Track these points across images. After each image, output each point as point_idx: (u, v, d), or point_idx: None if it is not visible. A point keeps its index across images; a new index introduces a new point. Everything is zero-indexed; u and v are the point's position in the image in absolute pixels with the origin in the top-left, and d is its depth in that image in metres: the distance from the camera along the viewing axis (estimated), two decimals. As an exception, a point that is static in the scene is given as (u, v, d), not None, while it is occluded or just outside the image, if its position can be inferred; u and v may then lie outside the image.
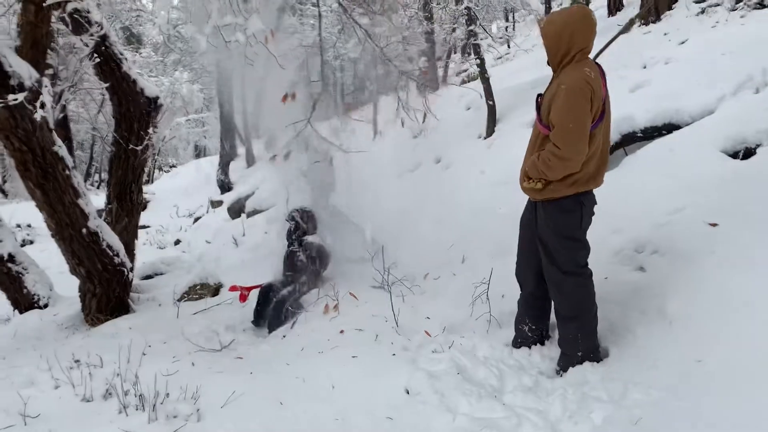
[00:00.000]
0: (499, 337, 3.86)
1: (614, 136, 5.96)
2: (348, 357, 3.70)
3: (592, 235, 4.64)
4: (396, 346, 3.79)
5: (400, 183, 9.78)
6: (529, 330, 3.62)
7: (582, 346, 3.27)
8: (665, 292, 3.56)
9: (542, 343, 3.67)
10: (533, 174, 3.17)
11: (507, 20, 28.45)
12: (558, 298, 3.36)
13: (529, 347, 3.65)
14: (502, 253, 4.57)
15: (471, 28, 8.85)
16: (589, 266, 3.36)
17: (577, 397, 3.02)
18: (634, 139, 5.93)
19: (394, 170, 10.37)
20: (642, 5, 11.46)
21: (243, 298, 5.70)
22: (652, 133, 5.80)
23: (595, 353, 3.31)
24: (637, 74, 7.59)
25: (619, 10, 14.61)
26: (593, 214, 3.35)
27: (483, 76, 8.65)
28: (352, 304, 4.86)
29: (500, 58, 20.20)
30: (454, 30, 16.17)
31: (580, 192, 3.15)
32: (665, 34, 8.95)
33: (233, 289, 5.85)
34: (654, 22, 10.89)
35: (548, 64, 3.22)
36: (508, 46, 22.02)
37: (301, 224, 5.63)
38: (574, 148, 2.96)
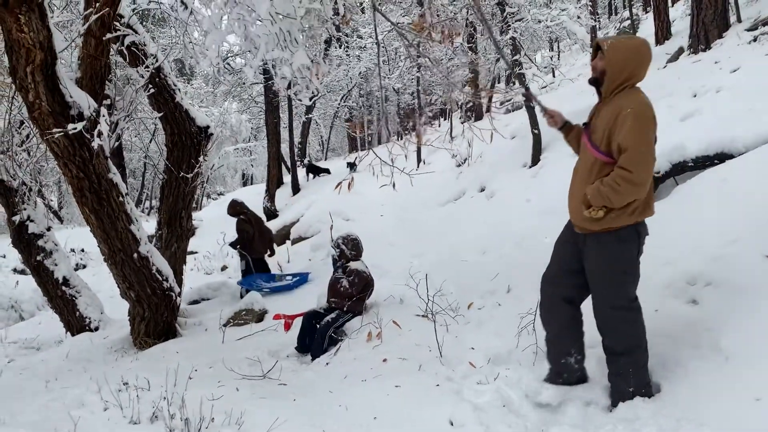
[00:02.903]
0: (546, 368, 3.77)
1: (664, 166, 5.84)
2: (391, 386, 3.67)
3: (641, 266, 4.54)
4: (440, 377, 3.74)
5: (443, 212, 9.78)
6: (576, 362, 3.43)
7: (633, 381, 3.15)
8: (720, 326, 3.44)
9: (586, 380, 3.47)
10: (596, 202, 3.03)
11: (551, 49, 28.41)
12: (609, 334, 3.23)
13: (573, 384, 3.41)
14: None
15: (516, 57, 8.86)
16: (638, 299, 3.26)
17: (629, 431, 2.93)
18: (685, 168, 5.80)
19: (438, 199, 10.38)
20: (691, 34, 11.30)
21: (287, 326, 5.74)
22: (704, 162, 5.66)
23: (646, 388, 3.18)
24: (687, 103, 7.45)
25: (667, 39, 14.42)
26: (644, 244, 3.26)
27: (528, 105, 8.63)
28: (396, 332, 4.84)
29: (545, 87, 20.13)
30: (498, 60, 16.18)
31: (638, 221, 3.08)
32: (716, 62, 8.79)
33: (277, 317, 5.90)
34: (704, 50, 10.72)
35: (596, 86, 3.17)
36: (553, 75, 21.94)
37: (345, 251, 5.66)
38: (646, 171, 2.92)
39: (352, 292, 5.45)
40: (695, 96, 7.70)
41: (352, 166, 19.99)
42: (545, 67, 21.95)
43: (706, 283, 3.95)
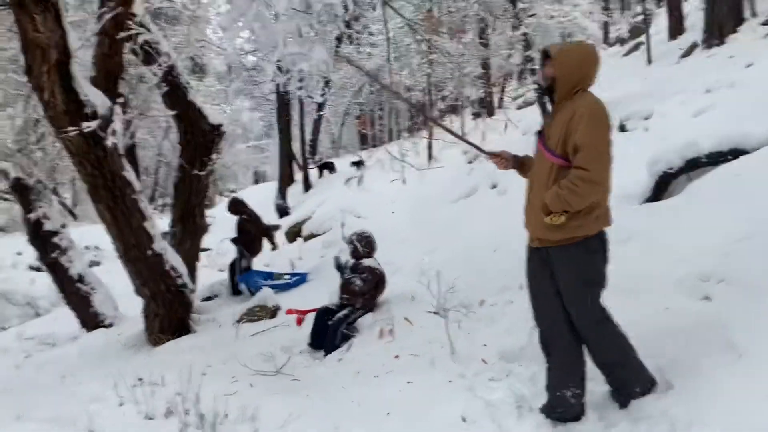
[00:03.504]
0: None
1: (677, 162, 5.81)
2: (403, 382, 3.69)
3: (653, 263, 4.53)
4: (452, 373, 3.75)
5: (455, 208, 9.77)
6: (573, 396, 3.08)
7: (638, 383, 3.10)
8: (733, 323, 3.41)
9: (582, 415, 3.13)
10: (556, 206, 2.86)
11: (564, 45, 28.20)
12: (598, 349, 3.09)
13: (567, 421, 3.10)
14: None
15: (528, 53, 8.84)
16: (646, 296, 3.27)
17: (642, 430, 2.92)
18: (698, 164, 5.75)
19: (449, 196, 10.37)
20: (705, 29, 11.20)
21: (299, 321, 5.77)
22: (717, 158, 5.61)
23: (652, 384, 3.13)
24: (701, 98, 7.41)
25: (681, 34, 14.31)
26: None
27: (540, 100, 8.60)
28: (407, 329, 4.85)
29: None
30: (510, 56, 16.15)
31: (601, 229, 2.99)
32: (730, 57, 8.71)
33: (290, 312, 5.93)
34: (718, 45, 10.63)
35: (548, 94, 3.10)
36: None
37: (359, 248, 5.68)
38: (604, 169, 2.85)
39: (364, 288, 5.47)
40: (708, 91, 7.64)
41: (357, 164, 19.98)
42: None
43: (719, 279, 3.93)
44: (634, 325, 3.78)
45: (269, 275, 8.35)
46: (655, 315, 3.83)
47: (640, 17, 19.22)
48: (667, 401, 3.05)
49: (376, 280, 5.55)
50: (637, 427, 2.90)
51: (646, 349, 3.45)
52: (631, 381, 3.10)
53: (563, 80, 2.98)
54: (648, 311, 3.91)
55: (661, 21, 17.96)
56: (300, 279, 8.10)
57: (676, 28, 14.53)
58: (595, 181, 2.80)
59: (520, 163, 3.36)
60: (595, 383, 3.32)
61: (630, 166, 6.58)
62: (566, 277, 3.02)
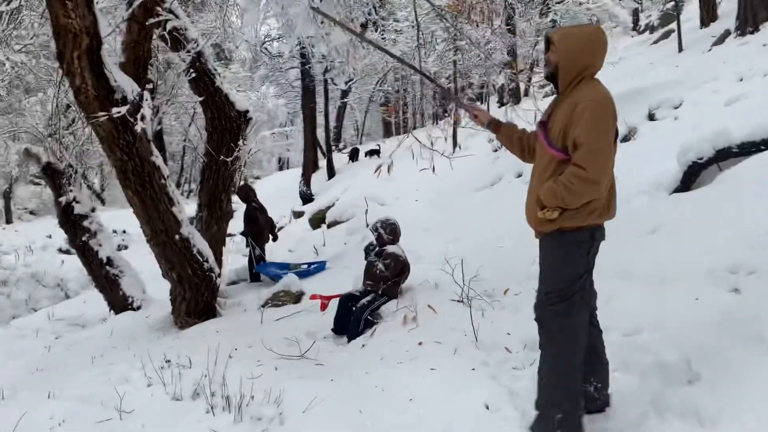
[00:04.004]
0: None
1: (708, 151, 5.71)
2: (427, 369, 3.70)
3: (682, 253, 4.46)
4: (476, 361, 3.76)
5: (479, 197, 9.73)
6: (596, 390, 3.03)
7: (560, 409, 2.81)
8: (762, 316, 3.37)
9: (607, 406, 3.08)
10: (550, 202, 2.76)
11: (593, 32, 27.80)
12: (545, 342, 2.94)
13: (593, 413, 3.01)
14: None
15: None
16: (675, 286, 3.17)
17: (669, 421, 2.90)
18: (729, 154, 5.66)
19: (474, 184, 10.33)
20: (738, 16, 10.95)
21: (323, 306, 5.81)
22: (750, 148, 5.51)
23: (575, 418, 2.81)
24: (733, 87, 7.26)
25: (713, 21, 14.01)
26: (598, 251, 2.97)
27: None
28: (431, 316, 4.86)
29: (585, 70, 19.76)
30: (537, 43, 15.96)
31: (595, 224, 2.83)
32: (764, 45, 8.51)
33: (314, 297, 5.97)
34: (752, 32, 10.39)
35: (552, 82, 2.93)
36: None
37: (383, 235, 5.69)
38: (602, 169, 2.66)
39: (387, 275, 5.49)
40: (741, 80, 7.49)
41: (372, 153, 20.09)
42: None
43: (749, 271, 3.87)
44: (662, 315, 3.76)
45: (285, 266, 8.41)
46: (684, 305, 3.79)
47: (671, 4, 18.83)
48: (695, 393, 3.02)
49: (400, 267, 5.56)
50: (665, 419, 2.87)
51: (675, 339, 3.43)
52: (545, 389, 2.90)
53: (565, 67, 2.81)
54: (677, 302, 3.87)
55: (692, 8, 17.60)
56: (319, 267, 8.13)
57: (709, 16, 14.23)
58: (592, 180, 2.65)
59: (495, 125, 3.29)
60: (621, 373, 3.30)
61: (659, 156, 6.50)
62: (548, 259, 2.93)
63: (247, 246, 8.66)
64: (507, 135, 3.26)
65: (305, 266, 8.31)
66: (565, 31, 2.88)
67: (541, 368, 2.94)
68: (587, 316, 2.93)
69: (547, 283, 2.92)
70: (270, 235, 9.03)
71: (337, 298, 5.58)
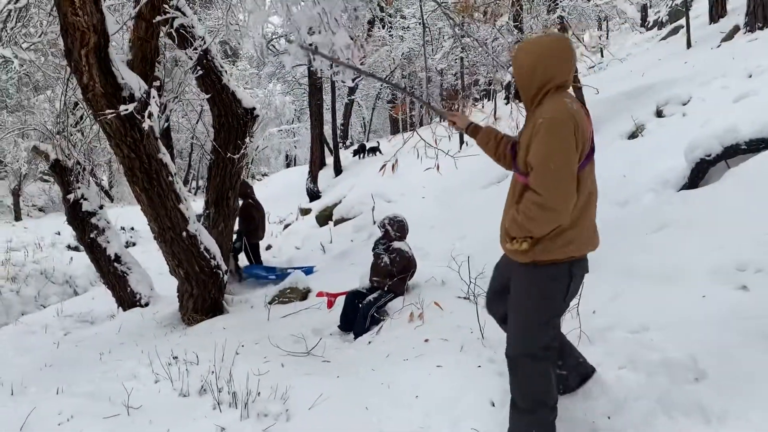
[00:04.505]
0: (590, 352, 3.75)
1: (716, 149, 5.68)
2: (433, 366, 3.70)
3: (689, 251, 4.44)
4: (482, 358, 3.75)
5: (486, 194, 9.72)
6: (562, 368, 2.99)
7: None
8: (771, 313, 3.36)
9: (590, 374, 3.12)
10: (515, 232, 2.54)
11: (600, 29, 27.73)
12: (515, 384, 2.77)
13: (575, 389, 3.09)
14: (594, 267, 4.44)
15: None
16: (682, 283, 3.15)
17: (676, 420, 2.89)
18: (738, 151, 5.62)
19: (480, 182, 10.31)
20: (748, 11, 10.88)
21: (330, 304, 5.83)
22: (758, 145, 5.48)
23: None
24: (742, 83, 7.21)
25: (722, 17, 13.92)
26: (581, 285, 2.77)
27: (575, 85, 8.46)
28: (437, 313, 4.86)
29: (593, 67, 19.69)
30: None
31: (575, 257, 2.57)
32: (774, 40, 8.44)
33: (321, 294, 5.99)
34: (761, 28, 10.32)
35: (519, 100, 2.70)
36: (602, 55, 21.42)
37: (390, 231, 5.69)
38: (558, 193, 2.38)
39: (392, 270, 5.49)
40: (750, 76, 7.44)
41: (373, 150, 20.21)
42: (593, 47, 21.44)
43: (756, 269, 3.85)
44: (669, 313, 3.75)
45: (272, 269, 8.42)
46: (691, 303, 3.78)
47: (680, 0, 18.73)
48: (702, 391, 3.01)
49: (404, 263, 5.57)
50: (671, 417, 2.87)
51: (681, 337, 3.42)
52: None
53: (521, 82, 2.59)
54: (684, 299, 3.87)
55: (702, 4, 17.48)
56: (306, 271, 8.07)
57: (718, 11, 14.14)
58: (549, 207, 2.40)
59: (473, 129, 3.09)
60: (627, 370, 3.29)
61: (667, 152, 6.47)
62: (516, 296, 2.73)
63: (235, 243, 8.65)
64: (484, 141, 3.03)
65: (291, 270, 8.30)
66: (520, 45, 2.67)
67: (518, 419, 2.78)
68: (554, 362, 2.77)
69: (522, 330, 2.72)
70: (263, 233, 9.05)
71: (344, 296, 5.60)
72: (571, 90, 2.67)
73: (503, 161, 2.97)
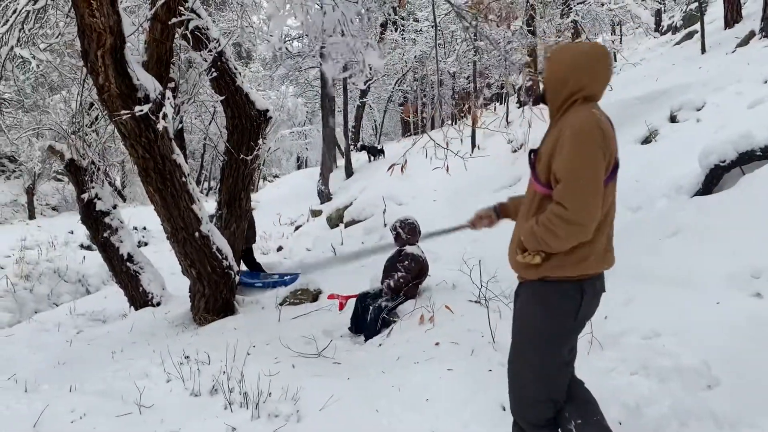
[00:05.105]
0: (602, 358, 3.74)
1: (731, 155, 5.65)
2: (443, 369, 3.70)
3: (703, 257, 4.41)
4: (492, 362, 3.75)
5: (497, 198, 9.70)
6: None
7: None
8: (786, 321, 3.33)
9: None
10: (531, 245, 2.40)
11: (614, 33, 27.60)
12: (517, 406, 2.63)
13: None
14: (607, 272, 4.43)
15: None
16: (696, 289, 3.11)
17: (688, 427, 2.88)
18: (753, 157, 5.59)
19: (492, 185, 10.30)
20: (764, 17, 10.80)
21: (341, 306, 5.83)
22: (774, 151, 5.44)
23: None
24: (757, 89, 7.17)
25: (737, 22, 13.82)
26: (597, 305, 2.53)
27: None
28: (448, 317, 4.86)
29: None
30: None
31: (587, 275, 2.41)
32: (791, 46, 8.38)
33: (332, 297, 5.99)
34: (778, 33, 10.24)
35: (545, 103, 2.57)
36: (615, 60, 21.33)
37: (402, 234, 5.67)
38: (585, 207, 2.25)
39: (408, 277, 5.46)
40: (766, 82, 7.39)
41: (378, 152, 20.31)
42: (606, 52, 21.34)
43: (772, 276, 3.82)
44: (682, 319, 3.73)
45: (256, 276, 8.40)
46: (705, 309, 3.76)
47: (695, 5, 18.62)
48: (715, 397, 3.00)
49: (419, 268, 5.55)
50: (683, 423, 2.85)
51: (694, 343, 3.41)
52: None
53: (551, 87, 2.47)
54: (697, 305, 3.85)
55: (717, 9, 17.38)
56: (291, 279, 7.98)
57: (733, 17, 14.04)
58: (574, 222, 2.26)
59: (504, 210, 2.93)
60: (640, 376, 3.28)
61: (681, 158, 6.44)
62: (520, 315, 2.57)
63: None
64: (514, 208, 2.84)
65: (276, 276, 8.26)
66: (558, 47, 2.55)
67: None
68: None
69: (518, 351, 2.56)
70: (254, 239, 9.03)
71: (355, 298, 5.59)
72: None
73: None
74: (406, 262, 5.50)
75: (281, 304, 6.46)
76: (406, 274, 5.42)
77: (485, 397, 3.30)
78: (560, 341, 2.46)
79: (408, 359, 4.04)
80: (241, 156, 6.82)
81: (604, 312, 3.99)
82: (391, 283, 5.38)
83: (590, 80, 2.38)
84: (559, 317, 2.42)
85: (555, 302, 2.42)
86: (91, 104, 7.69)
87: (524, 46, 12.99)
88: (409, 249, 5.62)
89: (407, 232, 5.67)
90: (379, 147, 21.21)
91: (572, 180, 2.27)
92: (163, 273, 8.11)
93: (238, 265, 6.95)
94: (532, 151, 2.54)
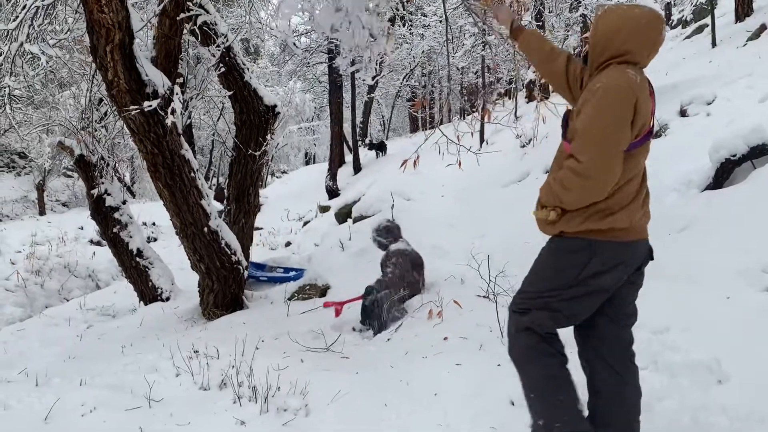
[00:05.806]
0: (610, 353, 3.72)
1: (741, 148, 5.60)
2: (452, 364, 3.70)
3: (713, 252, 4.38)
4: (501, 357, 3.72)
5: (506, 193, 9.67)
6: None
7: (558, 420, 2.42)
8: (798, 316, 3.30)
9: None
10: (547, 199, 2.38)
11: (623, 27, 27.44)
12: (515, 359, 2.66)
13: None
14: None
15: (586, 35, 8.61)
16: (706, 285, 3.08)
17: (698, 422, 2.86)
18: (764, 152, 5.54)
19: (501, 180, 10.26)
20: (776, 9, 10.68)
21: (338, 313, 5.74)
22: (785, 145, 5.39)
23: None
24: (769, 82, 7.09)
25: (748, 16, 13.69)
26: (622, 277, 2.39)
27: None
28: (456, 312, 4.86)
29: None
30: (566, 38, 15.77)
31: (595, 237, 2.30)
32: (803, 39, 8.29)
33: (327, 305, 5.76)
34: (790, 26, 10.14)
35: (585, 62, 2.52)
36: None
37: (383, 242, 5.78)
38: (599, 162, 2.18)
39: (399, 272, 5.50)
40: (778, 75, 7.31)
41: (379, 147, 20.32)
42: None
43: (784, 271, 3.79)
44: (692, 313, 3.71)
45: (261, 267, 8.35)
46: (715, 304, 3.74)
47: (706, -3, 18.47)
48: (725, 393, 2.98)
49: (409, 260, 5.58)
50: (694, 419, 2.84)
51: (705, 338, 3.39)
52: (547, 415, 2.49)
53: (594, 46, 2.40)
54: (707, 300, 3.82)
55: (727, 2, 17.22)
56: (298, 275, 7.92)
57: (744, 10, 13.90)
58: (584, 175, 2.20)
59: (516, 30, 2.89)
60: (649, 371, 3.26)
61: (691, 152, 6.39)
62: (537, 260, 2.54)
63: None
64: (526, 40, 2.83)
65: (281, 270, 8.17)
66: (610, 7, 2.42)
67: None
68: (560, 352, 2.52)
69: (524, 287, 2.56)
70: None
71: (352, 303, 5.53)
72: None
73: (552, 75, 2.74)
74: (393, 259, 5.58)
75: (290, 299, 6.48)
76: (395, 270, 5.47)
77: (494, 392, 3.30)
78: (560, 288, 2.38)
79: (416, 354, 4.04)
80: (250, 151, 6.83)
81: (614, 307, 3.98)
82: (385, 280, 5.40)
83: (635, 46, 2.29)
84: (564, 269, 2.38)
85: (564, 255, 2.39)
86: (101, 100, 7.72)
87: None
88: (393, 247, 5.67)
89: (383, 235, 5.76)
90: (376, 142, 21.13)
91: (588, 134, 2.22)
92: (172, 268, 8.14)
93: (247, 259, 6.96)
94: (568, 111, 2.49)
